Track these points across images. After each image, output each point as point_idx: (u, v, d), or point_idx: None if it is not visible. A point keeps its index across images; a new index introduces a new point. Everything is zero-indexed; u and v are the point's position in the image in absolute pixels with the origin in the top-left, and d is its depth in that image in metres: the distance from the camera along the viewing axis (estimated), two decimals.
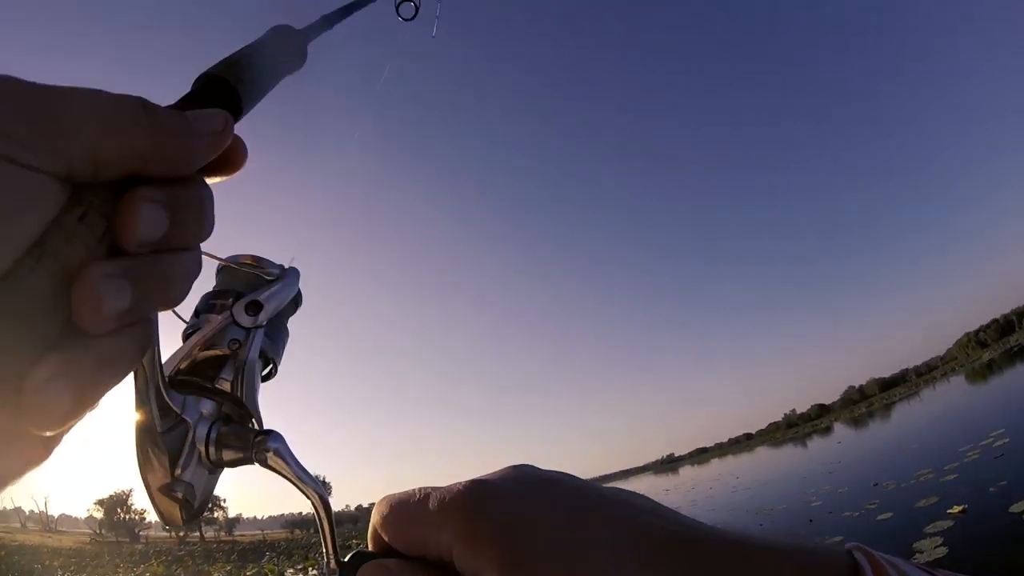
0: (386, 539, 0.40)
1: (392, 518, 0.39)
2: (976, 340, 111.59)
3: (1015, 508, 8.13)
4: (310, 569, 28.51)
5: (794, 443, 69.80)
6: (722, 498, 27.91)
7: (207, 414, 0.49)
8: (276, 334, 0.59)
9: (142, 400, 0.44)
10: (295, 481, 0.50)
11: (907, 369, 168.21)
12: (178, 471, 0.46)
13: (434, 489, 0.37)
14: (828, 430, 71.89)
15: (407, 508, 0.38)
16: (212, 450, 0.48)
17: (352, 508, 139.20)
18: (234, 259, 0.56)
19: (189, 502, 0.47)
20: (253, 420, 0.54)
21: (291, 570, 27.91)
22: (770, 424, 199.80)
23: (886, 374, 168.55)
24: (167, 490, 0.46)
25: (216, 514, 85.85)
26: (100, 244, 0.34)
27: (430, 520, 0.36)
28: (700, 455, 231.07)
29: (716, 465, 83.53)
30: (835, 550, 0.35)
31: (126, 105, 0.35)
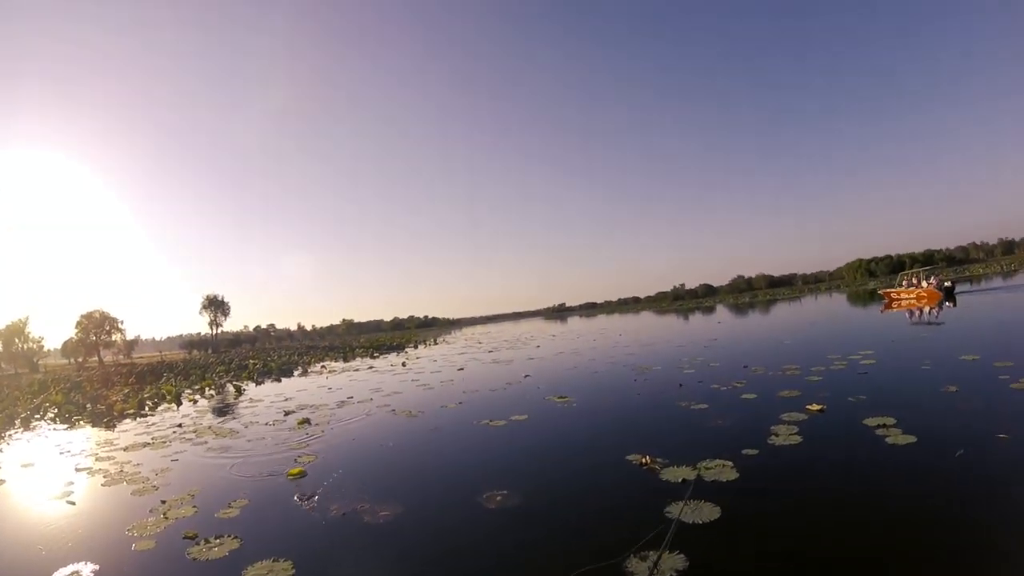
0: None
1: None
2: (867, 268, 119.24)
3: (868, 421, 9.03)
4: (207, 389, 28.71)
5: (678, 314, 73.96)
6: (603, 351, 29.50)
7: None
8: None
9: None
10: None
11: (796, 274, 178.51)
12: None
13: None
14: (711, 310, 76.59)
15: None
16: None
17: (251, 329, 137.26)
18: None
19: None
20: None
21: (188, 390, 27.85)
22: (659, 293, 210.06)
23: (776, 273, 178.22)
24: None
25: (114, 336, 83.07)
26: None
27: None
28: (589, 309, 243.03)
29: (603, 320, 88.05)
30: None
31: None
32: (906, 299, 38.33)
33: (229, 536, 6.82)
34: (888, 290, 42.92)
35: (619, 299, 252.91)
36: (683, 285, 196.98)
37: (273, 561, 5.98)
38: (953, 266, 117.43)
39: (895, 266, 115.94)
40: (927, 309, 31.01)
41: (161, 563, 6.33)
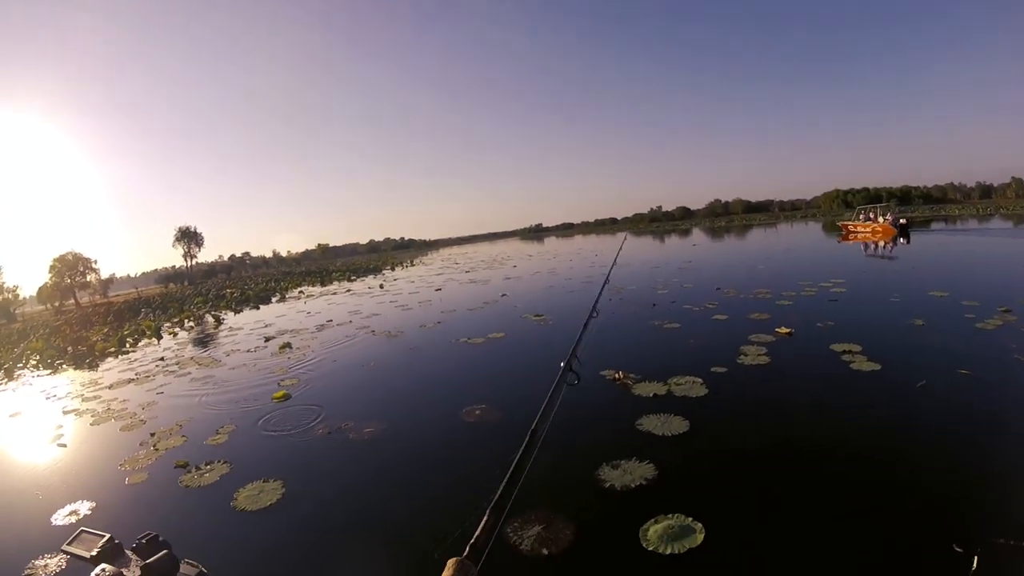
0: None
1: None
2: (843, 199, 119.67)
3: (835, 347, 9.31)
4: (186, 321, 28.26)
5: (654, 236, 74.21)
6: (580, 270, 29.87)
7: None
8: None
9: None
10: None
11: (773, 201, 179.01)
12: None
13: None
14: (687, 232, 77.13)
15: None
16: None
17: (226, 258, 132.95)
18: None
19: None
20: None
21: (167, 323, 27.27)
22: (636, 214, 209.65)
23: (753, 199, 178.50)
24: None
25: (89, 277, 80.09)
26: None
27: None
28: (566, 229, 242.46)
29: (579, 241, 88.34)
30: None
31: None
32: (862, 232, 39.05)
33: (219, 461, 7.02)
34: (846, 222, 43.55)
35: (596, 220, 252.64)
36: (660, 207, 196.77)
37: (264, 482, 6.18)
38: (930, 204, 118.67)
39: (872, 198, 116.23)
40: (881, 243, 31.73)
41: (155, 493, 6.47)
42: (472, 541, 1.54)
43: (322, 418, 8.29)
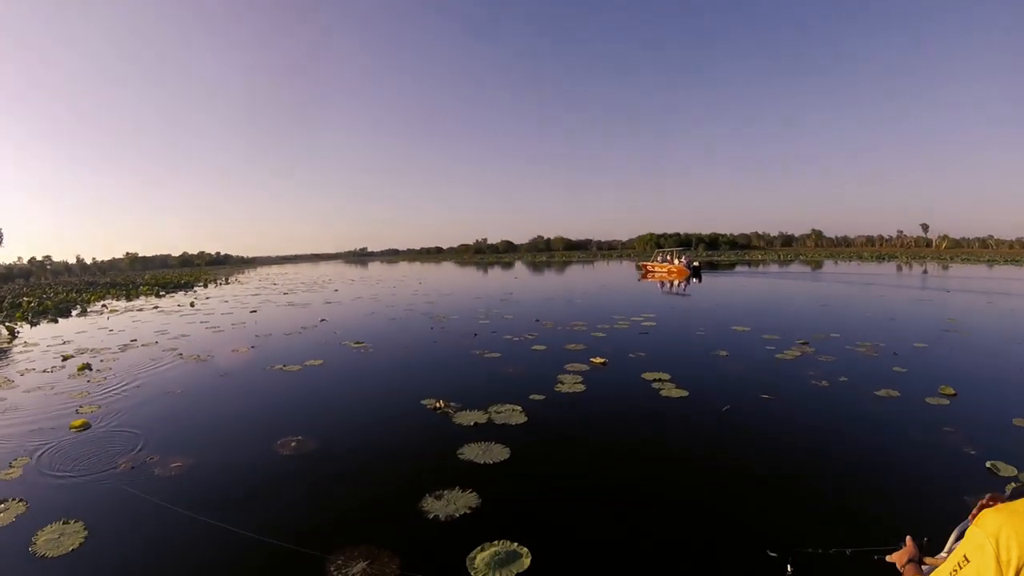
0: None
1: None
2: (656, 242, 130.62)
3: (646, 375, 9.79)
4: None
5: (478, 267, 75.88)
6: (403, 297, 29.30)
7: None
8: None
9: None
10: None
11: (592, 240, 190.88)
12: None
13: None
14: (510, 265, 79.82)
15: None
16: None
17: (25, 261, 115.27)
18: None
19: None
20: None
21: None
22: (461, 245, 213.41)
23: (573, 237, 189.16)
24: None
25: None
26: None
27: None
28: (391, 255, 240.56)
29: (404, 267, 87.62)
30: None
31: None
32: (659, 272, 43.21)
33: (14, 499, 5.83)
34: (645, 263, 47.80)
35: (422, 248, 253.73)
36: (485, 239, 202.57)
37: (63, 523, 5.23)
38: (736, 250, 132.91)
39: (682, 242, 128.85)
40: (676, 282, 35.15)
41: None
42: None
43: (126, 450, 7.13)
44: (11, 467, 6.82)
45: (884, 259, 68.64)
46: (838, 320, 16.37)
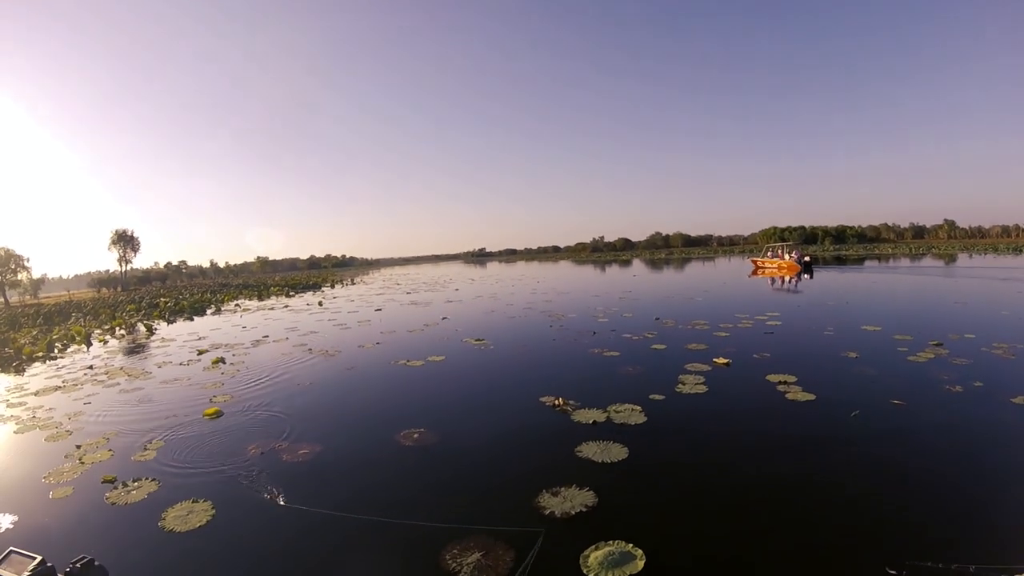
0: None
1: None
2: (780, 236, 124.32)
3: (771, 377, 9.52)
4: (117, 328, 26.73)
5: (595, 265, 75.58)
6: (522, 296, 29.87)
7: None
8: None
9: None
10: None
11: (712, 235, 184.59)
12: None
13: None
14: (628, 263, 78.76)
15: None
16: None
17: (162, 266, 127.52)
18: None
19: None
20: None
21: (98, 330, 25.94)
22: (579, 243, 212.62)
23: (693, 233, 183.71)
24: None
25: (20, 276, 75.91)
26: None
27: None
28: (509, 255, 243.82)
29: (522, 267, 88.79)
30: None
31: None
32: (770, 268, 41.22)
33: (147, 479, 6.60)
34: (755, 258, 45.67)
35: (539, 247, 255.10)
36: (602, 238, 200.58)
37: (192, 502, 5.84)
38: (864, 243, 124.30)
39: (807, 236, 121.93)
40: (787, 278, 33.57)
41: (80, 509, 5.99)
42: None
43: (256, 437, 7.91)
44: (146, 449, 7.74)
45: (1022, 251, 61.87)
46: (973, 319, 15.03)
